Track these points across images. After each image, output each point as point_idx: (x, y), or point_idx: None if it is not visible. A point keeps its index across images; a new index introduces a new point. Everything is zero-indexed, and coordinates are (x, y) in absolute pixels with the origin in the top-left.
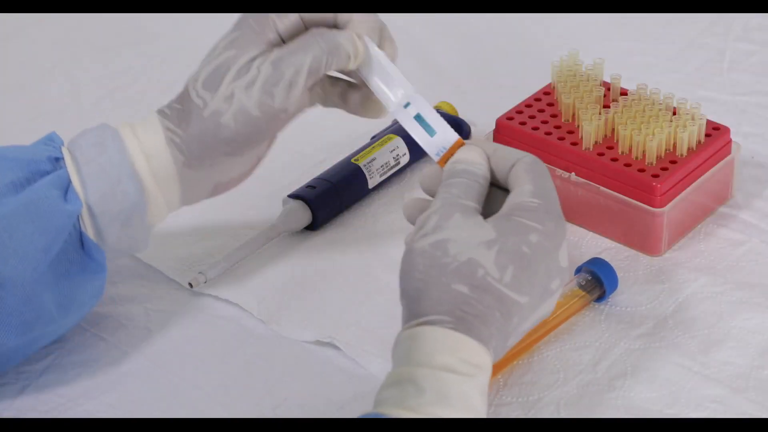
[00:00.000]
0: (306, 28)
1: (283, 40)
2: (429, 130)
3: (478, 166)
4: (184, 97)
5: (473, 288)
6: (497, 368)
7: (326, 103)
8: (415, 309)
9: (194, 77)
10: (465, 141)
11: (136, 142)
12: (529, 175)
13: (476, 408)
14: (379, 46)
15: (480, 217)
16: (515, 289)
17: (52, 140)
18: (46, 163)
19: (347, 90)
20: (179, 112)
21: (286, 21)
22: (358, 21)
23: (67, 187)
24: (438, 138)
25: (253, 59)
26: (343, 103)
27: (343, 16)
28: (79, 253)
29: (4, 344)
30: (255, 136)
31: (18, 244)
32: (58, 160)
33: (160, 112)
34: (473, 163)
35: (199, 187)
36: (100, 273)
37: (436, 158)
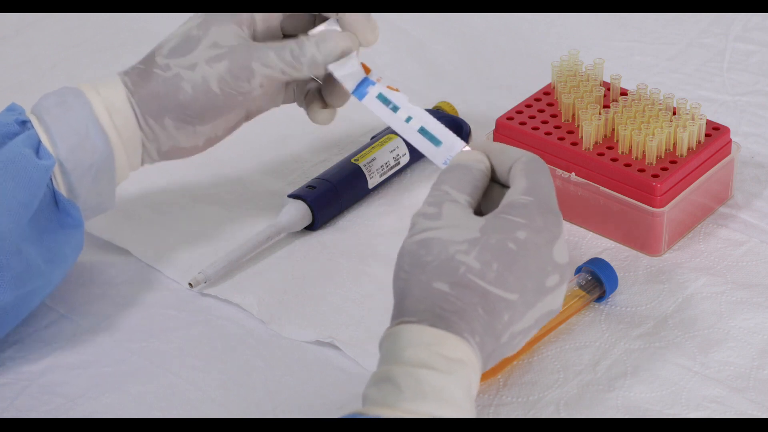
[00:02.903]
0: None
1: (255, 23)
2: (434, 141)
3: (473, 160)
4: (148, 59)
5: (453, 285)
6: (497, 368)
7: (299, 102)
8: (399, 307)
9: (163, 43)
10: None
11: (98, 98)
12: (524, 173)
13: (456, 402)
14: (361, 32)
15: (469, 212)
16: (500, 286)
17: (13, 109)
18: (14, 126)
19: (312, 94)
20: (140, 71)
21: (263, 15)
22: (352, 20)
23: (38, 147)
24: (444, 148)
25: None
26: (303, 104)
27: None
28: (55, 212)
29: (1, 299)
30: (210, 110)
31: (2, 200)
32: (25, 123)
33: (122, 72)
34: (468, 158)
35: (156, 146)
36: (78, 228)
37: (443, 167)
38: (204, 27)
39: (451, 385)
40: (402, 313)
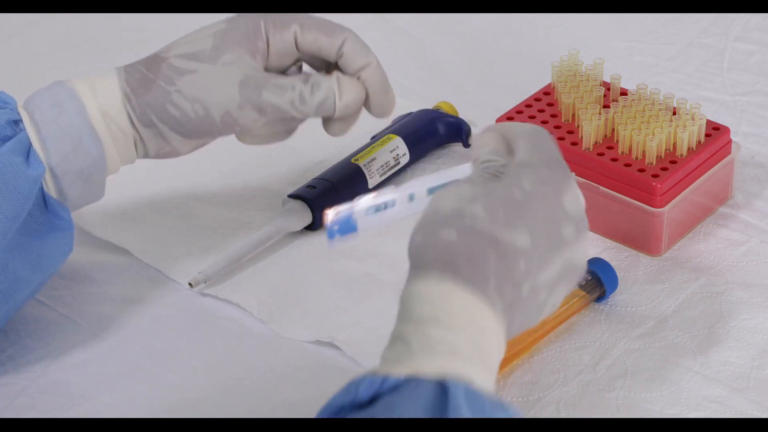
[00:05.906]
0: (298, 49)
1: (268, 48)
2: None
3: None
4: (152, 64)
5: (461, 233)
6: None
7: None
8: (412, 263)
9: (170, 48)
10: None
11: (94, 101)
12: (525, 138)
13: (466, 355)
14: (375, 100)
15: (479, 171)
16: (509, 231)
17: (5, 102)
18: (5, 128)
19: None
20: (142, 77)
21: (279, 38)
22: (368, 74)
23: (28, 151)
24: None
25: (235, 62)
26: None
27: (350, 58)
28: (45, 214)
29: None
30: (204, 131)
31: None
32: (17, 123)
33: (123, 70)
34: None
35: (148, 148)
36: (68, 230)
37: None
38: (216, 51)
39: (458, 338)
40: (413, 267)
